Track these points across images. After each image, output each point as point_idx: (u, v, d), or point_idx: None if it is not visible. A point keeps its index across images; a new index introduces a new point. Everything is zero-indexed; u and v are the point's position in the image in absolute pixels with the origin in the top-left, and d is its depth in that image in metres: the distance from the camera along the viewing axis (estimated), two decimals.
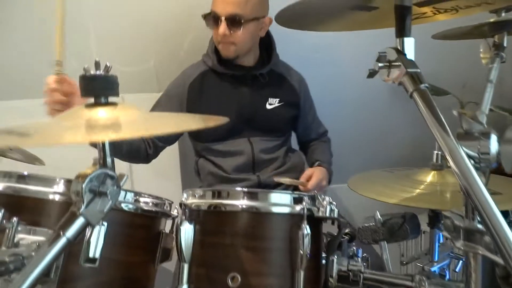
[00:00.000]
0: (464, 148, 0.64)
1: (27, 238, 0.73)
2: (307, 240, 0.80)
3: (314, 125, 1.58)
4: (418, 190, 1.01)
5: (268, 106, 1.43)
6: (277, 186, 1.39)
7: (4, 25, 1.56)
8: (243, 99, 1.41)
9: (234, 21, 1.31)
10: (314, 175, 1.33)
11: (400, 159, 2.05)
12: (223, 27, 1.31)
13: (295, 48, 1.61)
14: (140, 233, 0.89)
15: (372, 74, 0.71)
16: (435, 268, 1.00)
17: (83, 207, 0.62)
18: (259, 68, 1.43)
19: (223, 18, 1.30)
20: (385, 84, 1.73)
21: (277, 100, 1.44)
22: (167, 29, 1.65)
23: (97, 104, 0.66)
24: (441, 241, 1.07)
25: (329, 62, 1.79)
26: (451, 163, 0.63)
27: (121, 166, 1.75)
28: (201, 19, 1.61)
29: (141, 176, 1.82)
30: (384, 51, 0.69)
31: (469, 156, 0.64)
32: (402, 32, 0.70)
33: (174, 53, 1.69)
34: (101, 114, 0.65)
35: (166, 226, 0.99)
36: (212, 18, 1.33)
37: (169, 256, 0.94)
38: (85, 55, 1.64)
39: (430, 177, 1.06)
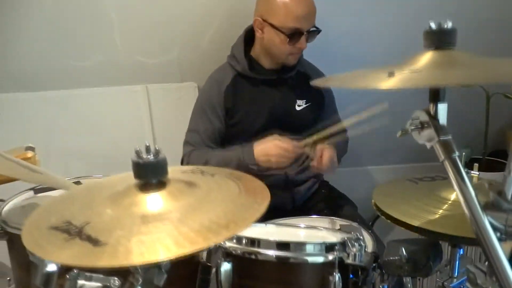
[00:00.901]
0: (490, 219, 0.66)
1: (86, 284, 0.79)
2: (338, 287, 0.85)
3: (332, 119, 1.58)
4: (441, 211, 1.03)
5: (297, 108, 1.46)
6: (301, 182, 1.43)
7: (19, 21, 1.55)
8: (274, 102, 1.43)
9: (312, 33, 1.36)
10: (325, 152, 1.33)
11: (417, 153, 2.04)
12: (304, 42, 1.35)
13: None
14: (179, 264, 0.93)
15: (403, 133, 0.71)
16: (454, 284, 1.05)
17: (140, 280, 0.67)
18: (287, 71, 1.45)
19: (305, 33, 1.33)
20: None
21: (305, 101, 1.47)
22: (190, 20, 1.65)
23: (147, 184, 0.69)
24: (461, 253, 1.11)
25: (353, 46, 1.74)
26: (476, 233, 0.65)
27: None
28: (223, 10, 1.58)
29: None
30: (417, 115, 0.69)
31: (495, 228, 0.66)
32: (436, 97, 0.69)
33: (197, 44, 1.70)
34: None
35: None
36: (293, 35, 1.34)
37: (208, 285, 1.00)
38: (109, 47, 1.65)
39: (454, 194, 1.08)
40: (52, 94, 1.74)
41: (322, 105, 1.51)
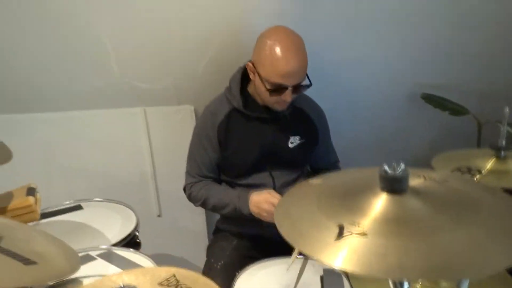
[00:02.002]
0: None
1: None
2: None
3: (326, 155, 1.61)
4: None
5: (290, 145, 1.47)
6: None
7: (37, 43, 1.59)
8: (267, 138, 1.45)
9: (298, 87, 1.35)
10: None
11: (415, 160, 2.09)
12: (289, 95, 1.34)
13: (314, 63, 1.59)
14: None
15: None
16: None
17: None
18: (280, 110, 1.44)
19: (290, 88, 1.33)
20: (400, 92, 1.73)
21: (298, 137, 1.48)
22: (186, 48, 1.66)
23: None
24: None
25: (348, 75, 1.76)
26: None
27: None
28: (219, 39, 1.60)
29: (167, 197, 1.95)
30: None
31: None
32: None
33: (193, 70, 1.73)
34: None
35: None
36: (276, 89, 1.34)
37: None
38: (106, 73, 1.68)
39: None
40: (52, 115, 1.79)
41: (316, 141, 1.53)
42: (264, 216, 1.32)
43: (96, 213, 1.60)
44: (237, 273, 1.24)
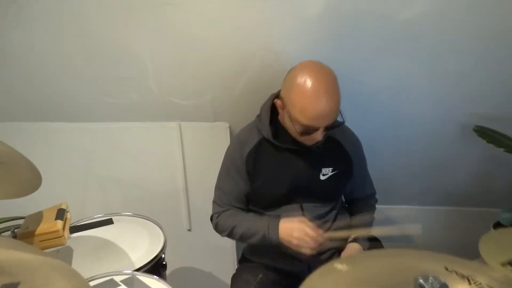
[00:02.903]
0: None
1: None
2: None
3: (362, 187, 1.52)
4: None
5: (322, 177, 1.39)
6: (320, 253, 1.42)
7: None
8: (297, 171, 1.38)
9: (330, 126, 1.27)
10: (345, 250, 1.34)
11: (462, 196, 1.95)
12: (320, 136, 1.27)
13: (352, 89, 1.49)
14: None
15: None
16: None
17: None
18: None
19: (321, 129, 1.26)
20: (450, 122, 1.60)
21: (331, 169, 1.40)
22: (225, 67, 1.61)
23: None
24: None
25: (391, 102, 1.65)
26: None
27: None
28: (258, 60, 1.54)
29: (198, 211, 1.94)
30: None
31: None
32: None
33: (230, 90, 1.67)
34: None
35: None
36: (306, 131, 1.26)
37: None
38: (144, 89, 1.67)
39: None
40: (92, 125, 1.81)
41: (350, 173, 1.44)
42: (294, 245, 1.26)
43: (126, 230, 1.60)
44: None
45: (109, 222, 1.66)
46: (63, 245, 1.18)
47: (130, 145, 1.85)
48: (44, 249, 1.18)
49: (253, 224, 1.36)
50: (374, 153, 1.57)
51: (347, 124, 1.43)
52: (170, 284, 2.02)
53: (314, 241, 1.23)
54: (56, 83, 1.71)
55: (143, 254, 1.45)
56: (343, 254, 1.33)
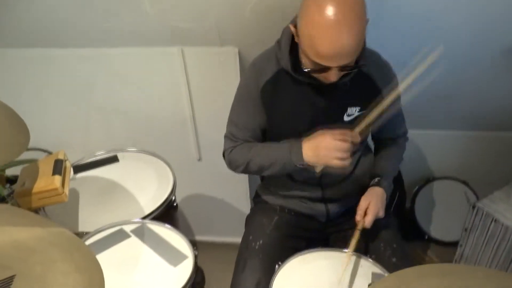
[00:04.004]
0: None
1: None
2: None
3: (392, 127, 1.36)
4: None
5: (346, 118, 1.22)
6: (338, 199, 1.33)
7: None
8: (318, 109, 1.20)
9: (345, 67, 1.05)
10: (369, 210, 1.18)
11: (492, 121, 1.80)
12: (334, 76, 1.06)
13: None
14: None
15: None
16: None
17: None
18: (341, 76, 1.13)
19: (335, 69, 1.04)
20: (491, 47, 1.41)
21: (358, 109, 1.21)
22: None
23: None
24: None
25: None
26: None
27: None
28: None
29: (207, 141, 1.82)
30: None
31: None
32: None
33: (238, 10, 1.43)
34: None
35: None
36: (317, 69, 1.06)
37: None
38: (140, 10, 1.45)
39: None
40: (88, 52, 1.63)
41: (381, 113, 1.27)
42: (324, 161, 1.11)
43: (132, 169, 1.52)
44: (277, 266, 1.14)
45: (114, 159, 1.57)
46: (65, 201, 1.10)
47: (130, 73, 1.68)
48: (44, 206, 1.10)
49: (272, 151, 1.22)
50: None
51: (378, 48, 1.23)
52: (181, 213, 2.04)
53: (345, 146, 1.08)
54: (48, 4, 1.49)
55: (152, 197, 1.38)
56: (364, 198, 1.22)
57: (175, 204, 1.42)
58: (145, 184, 1.44)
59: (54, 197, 1.08)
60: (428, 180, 2.05)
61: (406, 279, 0.58)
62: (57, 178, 1.09)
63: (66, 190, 1.11)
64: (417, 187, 2.06)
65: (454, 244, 1.91)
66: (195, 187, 1.97)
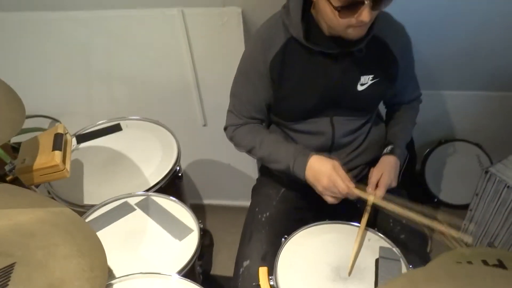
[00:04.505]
0: None
1: None
2: None
3: (405, 92, 1.29)
4: None
5: (360, 87, 1.15)
6: (349, 171, 1.29)
7: None
8: (331, 80, 1.13)
9: (378, 3, 0.94)
10: (381, 182, 1.14)
11: (507, 83, 1.71)
12: (367, 15, 0.94)
13: None
14: None
15: None
16: None
17: None
18: (355, 43, 1.07)
19: (367, 2, 0.93)
20: None
21: (371, 77, 1.14)
22: None
23: None
24: None
25: None
26: None
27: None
28: None
29: (212, 106, 1.76)
30: None
31: None
32: None
33: None
34: None
35: None
36: (348, 6, 0.95)
37: None
38: None
39: None
40: (84, 14, 1.55)
41: (394, 79, 1.19)
42: (319, 191, 1.11)
43: (136, 139, 1.49)
44: (283, 239, 1.13)
45: (117, 128, 1.54)
46: (66, 177, 1.08)
47: (129, 37, 1.60)
48: (46, 182, 1.08)
49: (276, 151, 1.19)
50: (422, 34, 1.28)
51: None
52: (188, 178, 2.03)
53: (342, 194, 1.07)
54: None
55: (157, 168, 1.36)
56: (376, 169, 1.18)
57: (180, 174, 1.40)
58: (149, 154, 1.41)
59: (55, 173, 1.06)
60: (440, 142, 1.99)
61: (416, 281, 0.56)
62: (57, 154, 1.07)
63: (68, 166, 1.09)
64: (428, 150, 2.01)
65: (463, 207, 1.89)
66: (201, 152, 1.95)
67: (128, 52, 1.64)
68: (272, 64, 1.13)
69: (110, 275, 1.01)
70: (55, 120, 1.87)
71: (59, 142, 1.11)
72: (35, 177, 1.06)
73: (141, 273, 0.95)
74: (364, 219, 1.13)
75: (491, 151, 1.93)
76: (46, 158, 1.06)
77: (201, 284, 1.19)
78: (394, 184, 1.16)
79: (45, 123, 1.89)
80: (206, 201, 2.14)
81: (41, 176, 1.06)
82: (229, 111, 1.28)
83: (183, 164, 1.99)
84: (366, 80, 1.15)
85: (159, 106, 1.76)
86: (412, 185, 1.90)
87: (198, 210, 2.12)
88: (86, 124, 1.63)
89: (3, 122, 0.91)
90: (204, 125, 1.83)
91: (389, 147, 1.23)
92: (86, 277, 0.76)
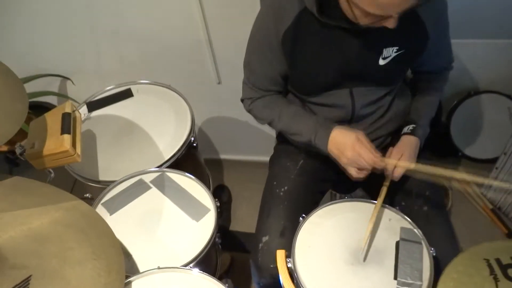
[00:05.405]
0: None
1: None
2: None
3: (436, 60, 1.16)
4: None
5: (381, 62, 1.03)
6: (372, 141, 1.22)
7: None
8: (349, 55, 1.03)
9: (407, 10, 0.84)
10: (400, 163, 1.06)
11: None
12: (392, 23, 0.87)
13: None
14: None
15: None
16: None
17: None
18: None
19: (396, 16, 0.85)
20: None
21: (396, 49, 1.02)
22: None
23: None
24: None
25: None
26: None
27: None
28: None
29: (226, 64, 1.66)
30: None
31: None
32: None
33: None
34: None
35: None
36: (376, 20, 0.87)
37: None
38: None
39: None
40: None
41: (422, 50, 1.06)
42: (344, 164, 1.06)
43: (148, 106, 1.43)
44: (301, 219, 1.11)
45: (128, 94, 1.48)
46: (78, 161, 1.05)
47: None
48: (59, 166, 1.06)
49: (296, 125, 1.13)
50: None
51: None
52: (204, 134, 1.99)
53: (368, 164, 1.01)
54: None
55: (171, 140, 1.31)
56: (396, 149, 1.11)
57: (195, 144, 1.35)
58: (163, 124, 1.36)
59: (66, 158, 1.03)
60: (469, 94, 1.87)
61: None
62: (67, 139, 1.03)
63: (78, 150, 1.06)
64: (455, 101, 1.90)
65: (488, 162, 1.83)
66: (217, 110, 1.89)
67: (133, 9, 1.53)
68: (285, 38, 1.03)
69: (129, 260, 1.02)
70: (65, 78, 1.82)
71: (67, 124, 1.07)
72: (47, 162, 1.04)
73: (158, 268, 0.95)
74: (382, 196, 1.09)
75: None
76: (55, 143, 1.03)
77: (220, 243, 1.19)
78: (413, 166, 1.09)
79: (55, 82, 1.85)
80: (222, 156, 2.12)
81: (53, 161, 1.04)
82: (244, 83, 1.20)
83: (199, 121, 1.95)
84: (389, 53, 1.04)
85: (171, 65, 1.68)
86: (436, 138, 1.83)
87: (215, 165, 2.11)
88: (97, 83, 1.57)
89: (6, 116, 0.86)
90: (219, 83, 1.75)
91: (410, 126, 1.14)
92: (103, 282, 0.76)
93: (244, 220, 1.89)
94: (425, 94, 1.20)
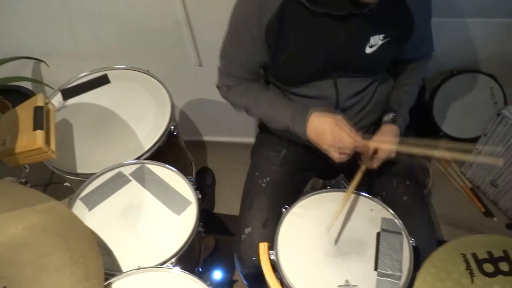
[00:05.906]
0: None
1: None
2: None
3: (419, 47, 1.14)
4: None
5: (368, 50, 1.01)
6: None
7: None
8: (335, 43, 0.99)
9: None
10: (380, 152, 1.06)
11: None
12: None
13: None
14: None
15: None
16: None
17: None
18: (366, 4, 0.92)
19: None
20: None
21: (382, 36, 0.99)
22: None
23: None
24: None
25: None
26: None
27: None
28: None
29: (206, 46, 1.60)
30: None
31: None
32: None
33: None
34: None
35: None
36: None
37: None
38: None
39: None
40: None
41: (407, 37, 1.04)
42: (324, 149, 1.03)
43: (125, 93, 1.39)
44: (283, 210, 1.11)
45: (105, 80, 1.43)
46: (52, 158, 1.01)
47: None
48: (33, 163, 1.02)
49: (273, 112, 1.10)
50: None
51: None
52: (186, 116, 1.95)
53: (349, 148, 1.00)
54: None
55: (151, 129, 1.28)
56: (376, 137, 1.10)
57: (175, 133, 1.32)
58: (141, 112, 1.33)
59: (41, 155, 1.00)
60: (453, 73, 1.86)
61: None
62: (39, 135, 0.99)
63: (53, 146, 1.02)
64: (439, 81, 1.89)
65: (469, 141, 1.85)
66: (199, 92, 1.85)
67: None
68: (268, 29, 0.99)
69: (110, 256, 1.01)
70: (39, 61, 1.75)
71: (39, 119, 1.03)
72: (20, 159, 1.00)
73: (138, 267, 0.94)
74: (356, 179, 1.08)
75: (506, 84, 1.81)
76: (28, 140, 0.99)
77: (204, 225, 1.18)
78: (393, 155, 1.08)
79: (29, 64, 1.77)
80: (205, 138, 2.10)
81: (26, 158, 1.00)
82: (220, 71, 1.16)
83: (180, 104, 1.91)
84: (376, 41, 1.01)
85: (149, 47, 1.62)
86: (418, 117, 1.83)
87: (198, 147, 2.08)
88: (72, 66, 1.51)
89: None
90: (199, 65, 1.70)
91: (390, 115, 1.13)
92: None
93: (228, 202, 1.89)
94: (405, 84, 1.18)
